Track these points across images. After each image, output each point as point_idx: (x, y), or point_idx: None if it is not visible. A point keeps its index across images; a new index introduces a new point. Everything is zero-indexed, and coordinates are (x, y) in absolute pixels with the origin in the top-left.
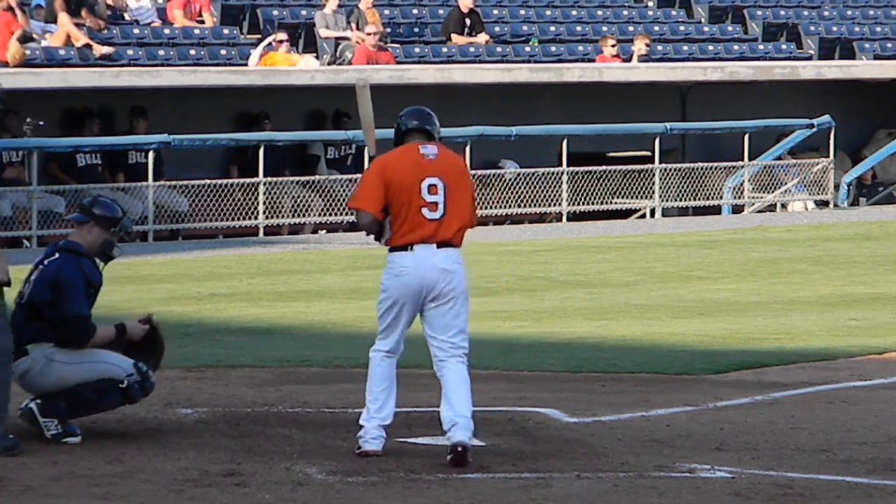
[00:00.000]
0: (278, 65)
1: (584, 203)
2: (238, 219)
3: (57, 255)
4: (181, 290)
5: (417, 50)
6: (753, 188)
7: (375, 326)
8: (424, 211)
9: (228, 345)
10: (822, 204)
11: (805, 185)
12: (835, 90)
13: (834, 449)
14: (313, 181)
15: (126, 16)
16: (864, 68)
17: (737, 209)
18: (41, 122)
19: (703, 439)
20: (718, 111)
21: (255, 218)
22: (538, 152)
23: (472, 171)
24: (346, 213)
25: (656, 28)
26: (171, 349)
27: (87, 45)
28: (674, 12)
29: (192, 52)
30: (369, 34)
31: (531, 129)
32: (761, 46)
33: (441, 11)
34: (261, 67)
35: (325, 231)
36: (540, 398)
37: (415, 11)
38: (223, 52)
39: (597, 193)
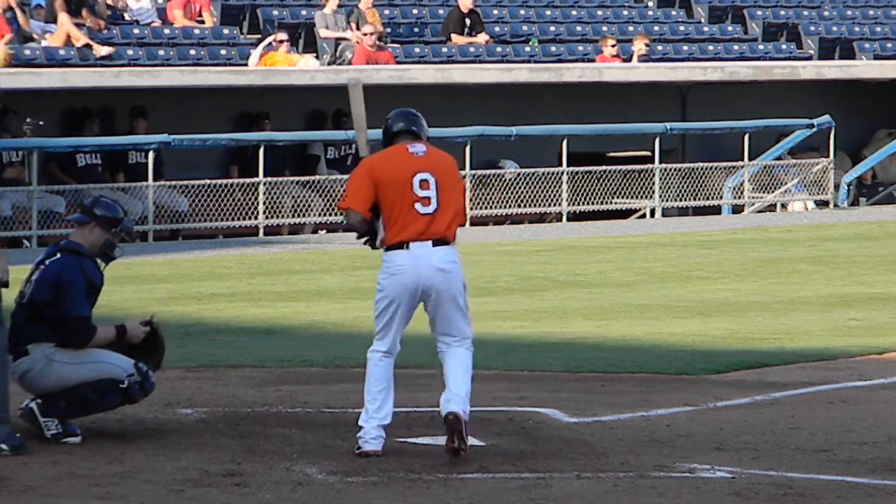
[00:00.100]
0: (278, 65)
1: (584, 203)
2: (238, 219)
3: (58, 255)
4: (181, 290)
5: (417, 50)
6: (753, 188)
7: (374, 326)
8: (417, 206)
9: (228, 345)
10: (822, 204)
11: (805, 185)
12: (835, 90)
13: (834, 449)
14: (313, 181)
15: (126, 16)
16: (864, 68)
17: (737, 209)
18: (41, 122)
19: (703, 439)
20: (718, 111)
21: (255, 218)
22: (538, 152)
23: (472, 171)
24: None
25: (656, 28)
26: (171, 349)
27: (87, 45)
28: (674, 12)
29: (192, 52)
30: (366, 34)
31: (531, 129)
32: (761, 46)
33: (441, 11)
34: (261, 67)
35: (325, 231)
36: (540, 398)
37: (415, 11)
38: (223, 52)
39: (597, 193)
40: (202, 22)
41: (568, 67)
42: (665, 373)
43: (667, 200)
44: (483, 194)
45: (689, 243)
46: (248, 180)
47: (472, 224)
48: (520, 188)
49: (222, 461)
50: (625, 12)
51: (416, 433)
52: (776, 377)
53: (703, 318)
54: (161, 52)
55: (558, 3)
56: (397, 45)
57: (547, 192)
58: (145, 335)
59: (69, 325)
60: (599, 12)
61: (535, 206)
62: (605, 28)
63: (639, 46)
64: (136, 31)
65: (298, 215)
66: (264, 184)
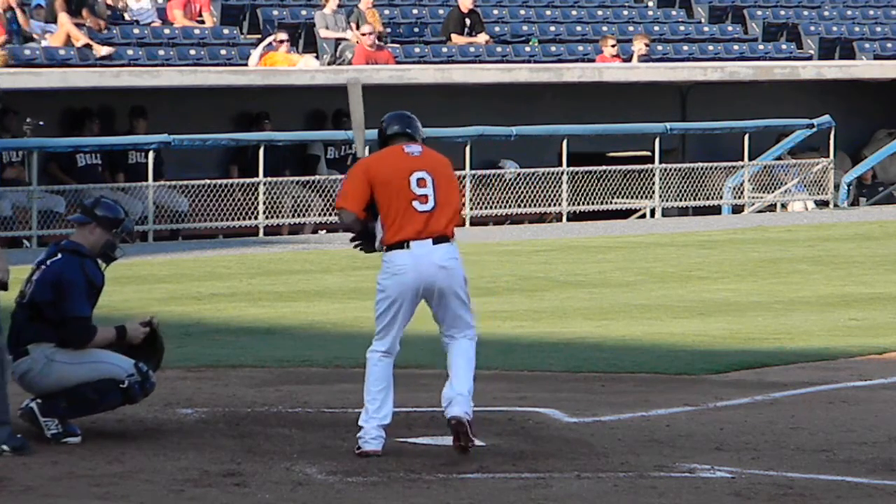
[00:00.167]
0: (278, 65)
1: (584, 203)
2: (238, 219)
3: (59, 255)
4: (181, 290)
5: (417, 50)
6: (753, 188)
7: (374, 326)
8: (415, 204)
9: (228, 345)
10: (822, 204)
11: (805, 185)
12: (835, 90)
13: (834, 449)
14: (313, 181)
15: (126, 16)
16: (864, 68)
17: (737, 209)
18: (41, 122)
19: (703, 439)
20: (718, 111)
21: (255, 218)
22: (538, 152)
23: (472, 171)
24: None
25: (656, 28)
26: (171, 349)
27: (87, 45)
28: (674, 12)
29: (192, 52)
30: (364, 34)
31: (531, 129)
32: (761, 46)
33: (441, 11)
34: (261, 67)
35: (325, 231)
36: (540, 398)
37: (415, 11)
38: (223, 52)
39: (597, 193)
40: (202, 22)
41: (568, 67)
42: (665, 373)
43: (667, 200)
44: (483, 194)
45: (689, 243)
46: (248, 180)
47: (472, 224)
48: (520, 188)
49: (222, 461)
50: (625, 12)
51: (416, 433)
52: (776, 377)
53: (703, 318)
54: (161, 52)
55: (558, 3)
56: (397, 45)
57: (547, 192)
58: (145, 335)
59: (70, 325)
60: (599, 12)
61: (535, 206)
62: (605, 28)
63: (638, 46)
64: (136, 31)
65: (298, 215)
66: (264, 184)
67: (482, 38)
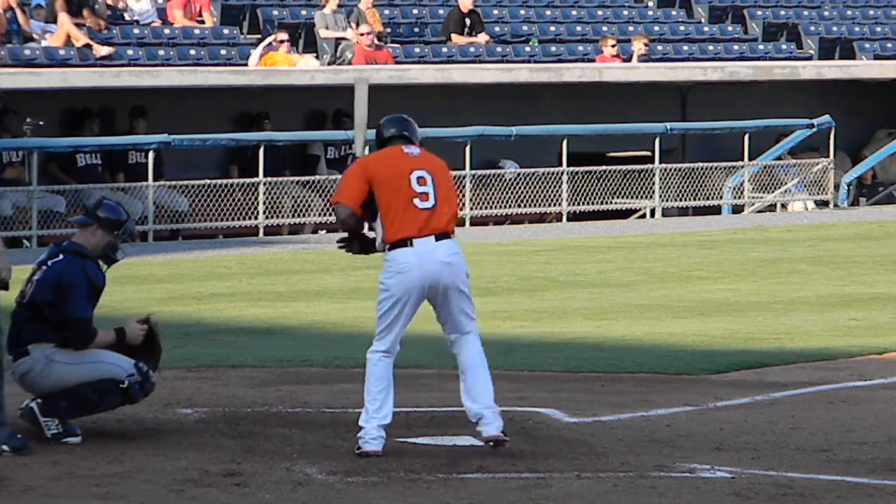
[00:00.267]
0: (278, 65)
1: (584, 203)
2: (238, 219)
3: (61, 256)
4: (181, 290)
5: (417, 50)
6: (753, 188)
7: (374, 326)
8: (416, 201)
9: (228, 345)
10: (822, 204)
11: (805, 185)
12: (835, 90)
13: (834, 449)
14: (313, 181)
15: (126, 16)
16: (864, 68)
17: (737, 209)
18: (41, 122)
19: (703, 439)
20: (718, 111)
21: (255, 218)
22: (538, 152)
23: (472, 171)
24: None
25: (656, 28)
26: (171, 349)
27: (87, 45)
28: (674, 12)
29: (192, 52)
30: (362, 34)
31: (531, 129)
32: (761, 46)
33: (441, 11)
34: (261, 67)
35: (325, 231)
36: (540, 398)
37: (415, 11)
38: (223, 52)
39: (597, 193)
40: (202, 22)
41: (568, 67)
42: (665, 373)
43: (667, 200)
44: (483, 194)
45: (689, 243)
46: (248, 180)
47: (472, 224)
48: (520, 188)
49: (222, 461)
50: (625, 12)
51: (416, 433)
52: (776, 377)
53: (703, 318)
54: (161, 52)
55: (558, 3)
56: (397, 45)
57: (547, 192)
58: (144, 335)
59: (70, 326)
60: (599, 12)
61: (535, 206)
62: (605, 28)
63: (638, 46)
64: (136, 31)
65: (298, 215)
66: (264, 184)
67: (482, 38)
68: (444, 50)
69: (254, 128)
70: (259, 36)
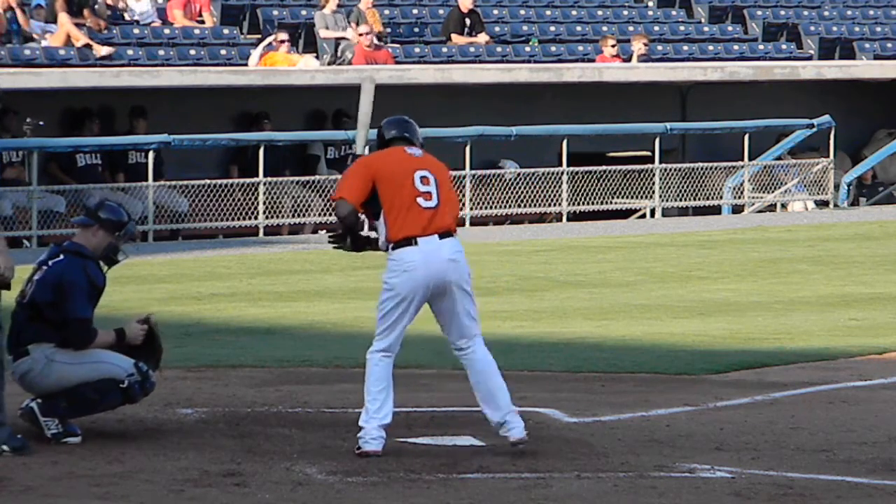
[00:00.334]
0: (278, 65)
1: (584, 203)
2: (238, 219)
3: (61, 256)
4: (181, 290)
5: (417, 50)
6: (753, 188)
7: (374, 326)
8: (420, 200)
9: (228, 345)
10: (822, 204)
11: (805, 185)
12: (835, 90)
13: (834, 449)
14: (313, 181)
15: (126, 16)
16: (864, 68)
17: (737, 209)
18: (41, 122)
19: (703, 439)
20: (718, 111)
21: (255, 218)
22: (538, 152)
23: (472, 171)
24: None
25: (656, 28)
26: (171, 349)
27: (87, 45)
28: (674, 12)
29: (192, 52)
30: (361, 34)
31: (531, 129)
32: (761, 46)
33: (441, 11)
34: (261, 67)
35: (325, 231)
36: (540, 398)
37: (415, 11)
38: (223, 52)
39: (597, 193)
40: (202, 22)
41: (568, 67)
42: (665, 373)
43: (667, 200)
44: (483, 194)
45: (689, 243)
46: (248, 180)
47: (472, 224)
48: (520, 188)
49: (222, 461)
50: (625, 12)
51: (416, 433)
52: (776, 377)
53: (703, 318)
54: (161, 52)
55: (558, 3)
56: (397, 45)
57: (547, 192)
58: (144, 335)
59: (71, 326)
60: (599, 12)
61: (535, 206)
62: (605, 28)
63: (637, 46)
64: (136, 31)
65: (298, 215)
66: (264, 184)
67: (482, 38)
68: (444, 50)
69: (254, 128)
70: (259, 36)
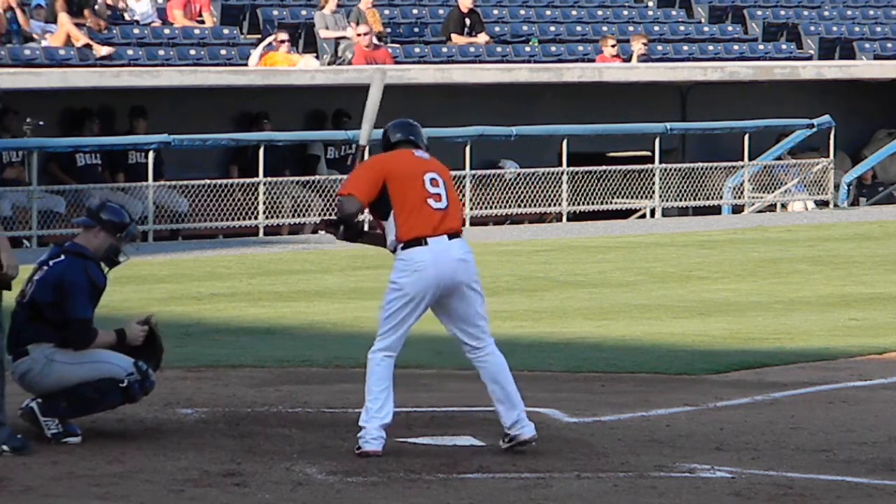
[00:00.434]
0: (278, 65)
1: (584, 203)
2: (238, 219)
3: (62, 257)
4: (181, 290)
5: (417, 50)
6: (753, 188)
7: (376, 326)
8: (430, 202)
9: (228, 345)
10: (822, 204)
11: (805, 185)
12: (835, 90)
13: (834, 449)
14: (313, 181)
15: (126, 16)
16: (864, 68)
17: (737, 209)
18: (41, 122)
19: (703, 439)
20: (718, 111)
21: (255, 218)
22: (538, 152)
23: (472, 171)
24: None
25: (656, 28)
26: (171, 349)
27: (87, 45)
28: (674, 12)
29: (192, 52)
30: (360, 35)
31: (531, 129)
32: (761, 46)
33: (441, 11)
34: (261, 67)
35: (324, 231)
36: (540, 398)
37: (415, 11)
38: (223, 52)
39: (597, 193)
40: (202, 22)
41: (568, 67)
42: (665, 373)
43: (667, 200)
44: (483, 194)
45: (689, 243)
46: (248, 180)
47: (472, 224)
48: (520, 188)
49: (222, 461)
50: (625, 12)
51: (416, 433)
52: (776, 377)
53: (703, 318)
54: (161, 52)
55: (558, 3)
56: (397, 45)
57: (547, 192)
58: (145, 336)
59: (71, 326)
60: (599, 12)
61: (535, 206)
62: (605, 28)
63: (637, 46)
64: (136, 31)
65: (298, 215)
66: (264, 184)
67: (482, 38)
68: (444, 50)
69: (254, 128)
70: (259, 36)
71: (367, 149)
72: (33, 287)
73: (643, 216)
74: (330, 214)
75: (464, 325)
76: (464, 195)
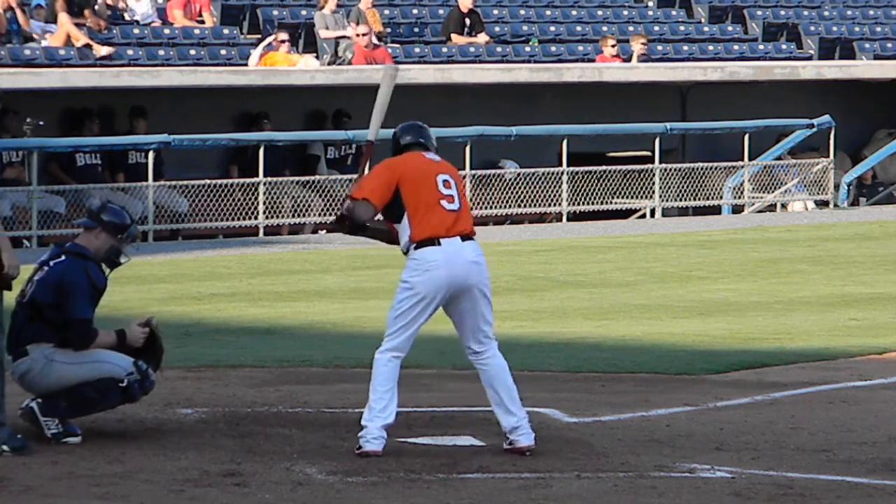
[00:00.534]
0: (278, 65)
1: (584, 203)
2: (238, 219)
3: (63, 257)
4: (181, 290)
5: (417, 50)
6: (753, 188)
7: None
8: (443, 203)
9: (228, 345)
10: (822, 204)
11: (805, 185)
12: (835, 90)
13: (834, 449)
14: (313, 181)
15: (126, 16)
16: (864, 68)
17: (737, 209)
18: (41, 122)
19: (703, 439)
20: (718, 111)
21: (255, 218)
22: (538, 152)
23: (472, 171)
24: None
25: (656, 28)
26: (171, 349)
27: (87, 45)
28: (674, 12)
29: (192, 52)
30: (360, 35)
31: (531, 129)
32: (761, 46)
33: (441, 11)
34: (261, 67)
35: (325, 231)
36: (540, 398)
37: (415, 11)
38: (223, 52)
39: (597, 193)
40: (202, 22)
41: (568, 67)
42: (665, 373)
43: (667, 200)
44: (483, 194)
45: (689, 243)
46: (248, 180)
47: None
48: (520, 188)
49: (222, 461)
50: (625, 12)
51: (416, 433)
52: (776, 377)
53: (703, 318)
54: (161, 52)
55: (558, 3)
56: (397, 45)
57: (547, 192)
58: (145, 338)
59: (71, 327)
60: (599, 12)
61: (535, 206)
62: (605, 28)
63: (636, 46)
64: (136, 31)
65: (298, 215)
66: (264, 184)
67: (482, 38)
68: (444, 50)
69: (254, 128)
70: (259, 36)
71: (373, 145)
72: (33, 287)
73: (643, 216)
74: (330, 215)
75: (469, 327)
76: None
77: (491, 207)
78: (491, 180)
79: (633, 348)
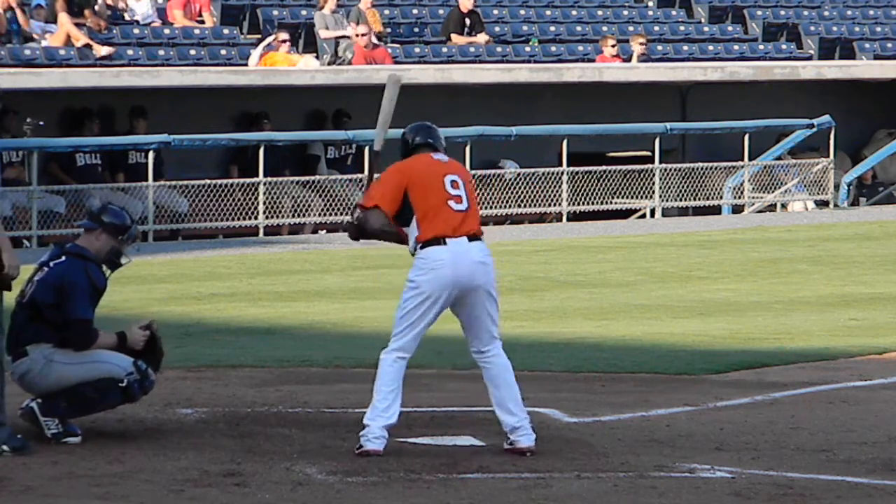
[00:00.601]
0: (278, 65)
1: (584, 203)
2: (238, 219)
3: (63, 258)
4: (181, 290)
5: (417, 50)
6: (753, 188)
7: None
8: (451, 203)
9: (228, 345)
10: (822, 204)
11: (805, 185)
12: (835, 90)
13: (834, 449)
14: (313, 181)
15: (126, 16)
16: (864, 68)
17: (737, 209)
18: (41, 122)
19: (703, 439)
20: (718, 111)
21: (255, 218)
22: (538, 152)
23: (472, 171)
24: (346, 214)
25: (656, 28)
26: (171, 349)
27: (87, 45)
28: (674, 12)
29: (192, 52)
30: (360, 35)
31: (531, 129)
32: (761, 46)
33: (441, 11)
34: (261, 67)
35: (325, 231)
36: (540, 398)
37: (415, 11)
38: (223, 52)
39: (597, 193)
40: (202, 22)
41: (568, 67)
42: (665, 373)
43: (667, 200)
44: (483, 194)
45: (689, 243)
46: (248, 180)
47: None
48: (520, 188)
49: (222, 461)
50: (625, 12)
51: (416, 433)
52: (776, 377)
53: (703, 318)
54: (161, 52)
55: (558, 3)
56: (397, 45)
57: (547, 192)
58: (145, 340)
59: (71, 327)
60: (599, 12)
61: (535, 206)
62: (605, 28)
63: (636, 46)
64: (136, 31)
65: (298, 215)
66: (264, 184)
67: (482, 38)
68: (444, 50)
69: (254, 128)
70: (259, 36)
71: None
72: (33, 287)
73: (643, 216)
74: (330, 215)
75: (476, 327)
76: None
77: (491, 207)
78: (491, 180)
79: (633, 348)
